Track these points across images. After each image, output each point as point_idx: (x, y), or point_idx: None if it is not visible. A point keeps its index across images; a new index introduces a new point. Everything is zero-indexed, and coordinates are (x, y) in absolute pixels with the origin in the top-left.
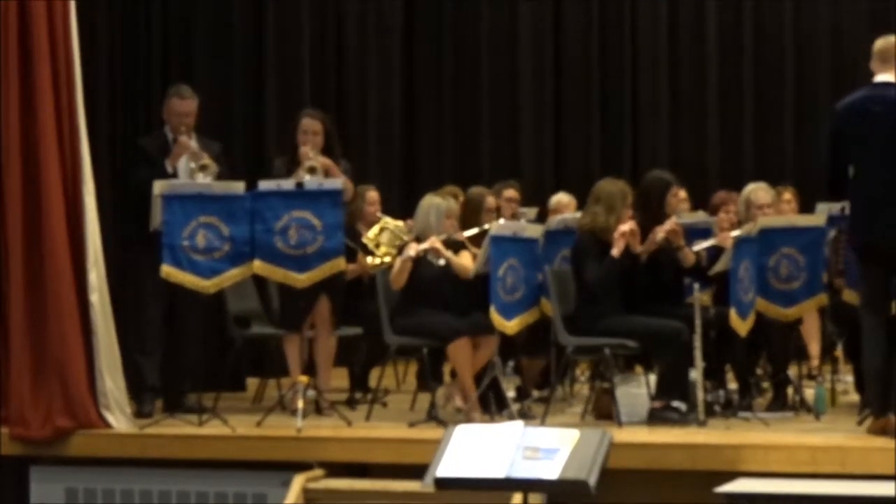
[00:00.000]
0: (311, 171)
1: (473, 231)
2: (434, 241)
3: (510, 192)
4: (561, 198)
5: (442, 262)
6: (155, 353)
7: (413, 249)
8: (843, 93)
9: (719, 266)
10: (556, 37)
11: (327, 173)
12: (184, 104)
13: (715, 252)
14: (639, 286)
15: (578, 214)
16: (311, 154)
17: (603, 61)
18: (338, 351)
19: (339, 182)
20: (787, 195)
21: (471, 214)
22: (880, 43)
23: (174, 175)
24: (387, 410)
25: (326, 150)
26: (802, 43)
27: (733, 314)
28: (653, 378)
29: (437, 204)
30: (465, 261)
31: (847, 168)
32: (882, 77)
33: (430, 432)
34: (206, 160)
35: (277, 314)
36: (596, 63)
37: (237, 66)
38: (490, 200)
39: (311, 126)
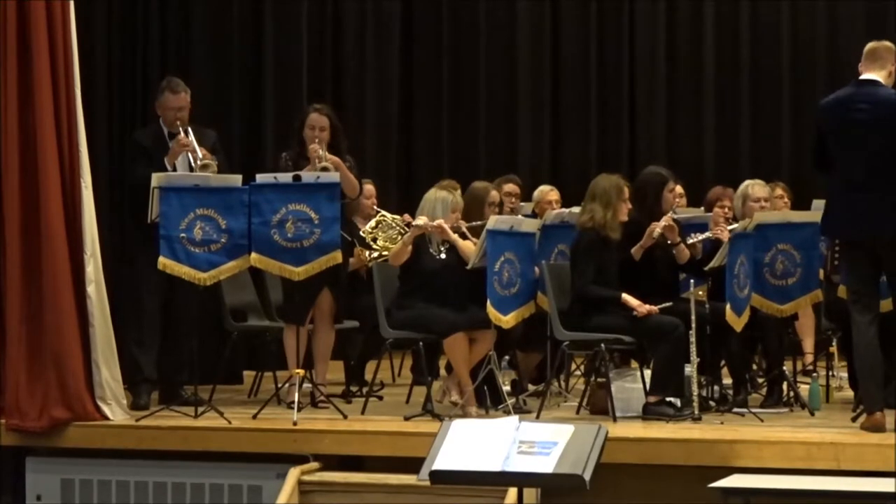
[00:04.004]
0: (325, 170)
1: (474, 224)
2: (441, 222)
3: (510, 187)
4: (543, 188)
5: (444, 255)
6: (151, 345)
7: (422, 220)
8: (839, 89)
9: (715, 262)
10: (554, 33)
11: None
12: (177, 98)
13: (711, 247)
14: (635, 282)
15: (574, 209)
16: (320, 152)
17: (600, 58)
18: (334, 344)
19: (336, 175)
20: (779, 190)
21: (473, 208)
22: (871, 44)
23: (173, 172)
24: (382, 404)
25: (332, 146)
26: (799, 40)
27: (728, 310)
28: (648, 373)
29: (442, 197)
30: (472, 246)
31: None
32: (867, 75)
33: (425, 426)
34: (207, 160)
35: (279, 307)
36: (593, 59)
37: (235, 62)
38: (493, 194)
39: (318, 122)
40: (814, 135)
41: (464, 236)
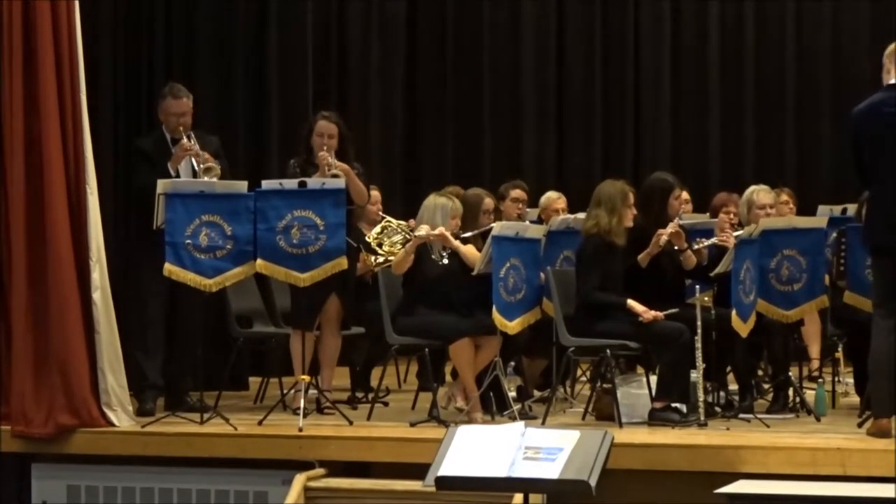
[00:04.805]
0: (335, 178)
1: (473, 233)
2: (443, 230)
3: (517, 193)
4: (550, 195)
5: (446, 260)
6: (157, 351)
7: (423, 230)
8: (844, 95)
9: (721, 267)
10: (559, 37)
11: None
12: (179, 104)
13: (717, 253)
14: (640, 288)
15: (580, 215)
16: (330, 160)
17: (605, 63)
18: (339, 350)
19: (341, 181)
20: (784, 196)
21: (468, 215)
22: (892, 47)
23: (176, 177)
24: (388, 410)
25: (341, 153)
26: (804, 45)
27: (734, 315)
28: (654, 379)
29: (442, 203)
30: (473, 250)
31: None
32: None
33: (431, 432)
34: (211, 163)
35: (285, 313)
36: (598, 64)
37: (239, 65)
38: (487, 201)
39: (327, 129)
40: (851, 149)
41: (464, 242)
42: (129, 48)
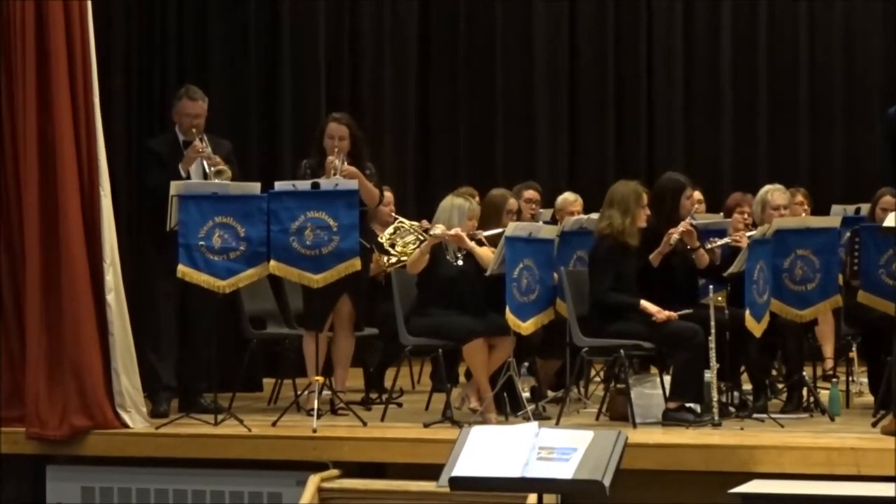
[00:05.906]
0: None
1: (495, 231)
2: (459, 230)
3: (530, 194)
4: (567, 196)
5: (461, 262)
6: (170, 352)
7: (439, 230)
8: (856, 95)
9: (734, 267)
10: (571, 40)
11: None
12: (194, 105)
13: (730, 253)
14: (653, 288)
15: (593, 216)
16: (336, 163)
17: (618, 64)
18: (353, 351)
19: (354, 183)
20: (800, 197)
21: (491, 215)
22: None
23: (187, 179)
24: (402, 411)
25: (353, 155)
26: (816, 45)
27: (748, 315)
28: (667, 379)
29: (459, 204)
30: (489, 253)
31: None
32: None
33: (444, 432)
34: (222, 165)
35: (298, 314)
36: (611, 65)
37: (252, 68)
38: (511, 202)
39: (338, 131)
40: (888, 147)
41: (480, 243)
42: (141, 50)
